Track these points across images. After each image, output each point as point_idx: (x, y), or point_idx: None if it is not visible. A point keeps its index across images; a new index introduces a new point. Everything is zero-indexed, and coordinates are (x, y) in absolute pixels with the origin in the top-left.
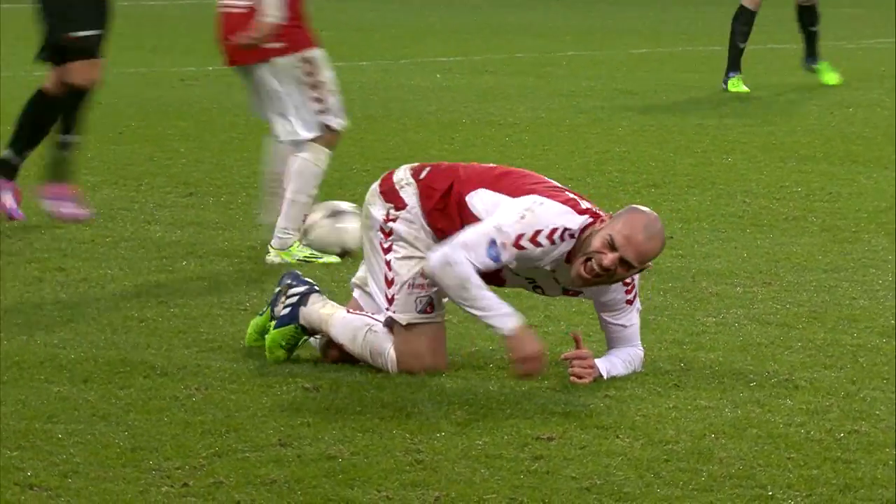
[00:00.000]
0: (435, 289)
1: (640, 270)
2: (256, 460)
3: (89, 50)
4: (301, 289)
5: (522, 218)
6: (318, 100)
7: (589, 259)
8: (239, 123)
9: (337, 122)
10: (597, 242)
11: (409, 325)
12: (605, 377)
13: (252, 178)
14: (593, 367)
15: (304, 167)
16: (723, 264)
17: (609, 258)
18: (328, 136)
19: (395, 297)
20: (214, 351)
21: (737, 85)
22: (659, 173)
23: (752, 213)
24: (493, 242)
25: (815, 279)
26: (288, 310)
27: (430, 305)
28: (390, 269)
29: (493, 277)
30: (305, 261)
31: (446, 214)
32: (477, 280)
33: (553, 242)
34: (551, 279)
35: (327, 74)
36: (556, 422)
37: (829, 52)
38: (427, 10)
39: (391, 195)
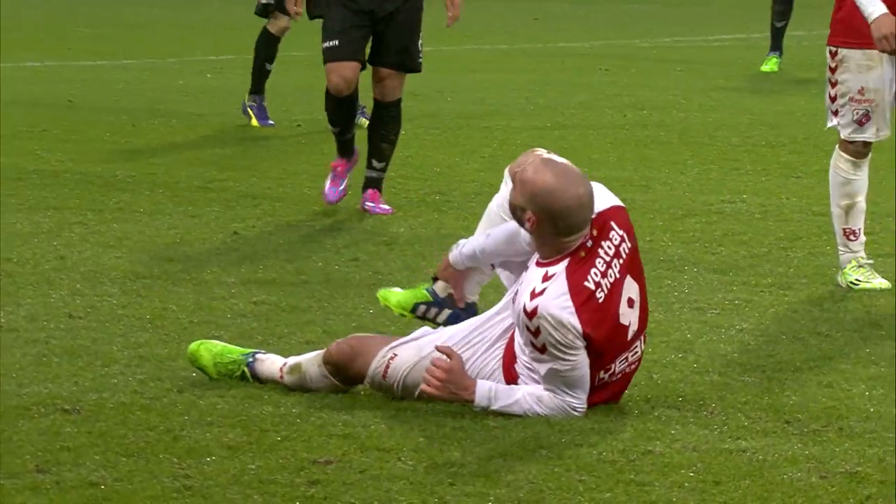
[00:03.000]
0: None
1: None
2: (12, 488)
3: None
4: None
5: None
6: None
7: None
8: None
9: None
10: None
11: None
12: (476, 405)
13: None
14: (455, 381)
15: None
16: None
17: None
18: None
19: None
20: None
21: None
22: (444, 179)
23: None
24: None
25: None
26: None
27: None
28: None
29: None
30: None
31: None
32: None
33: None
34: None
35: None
36: (334, 444)
37: (624, 52)
38: (197, 6)
39: None
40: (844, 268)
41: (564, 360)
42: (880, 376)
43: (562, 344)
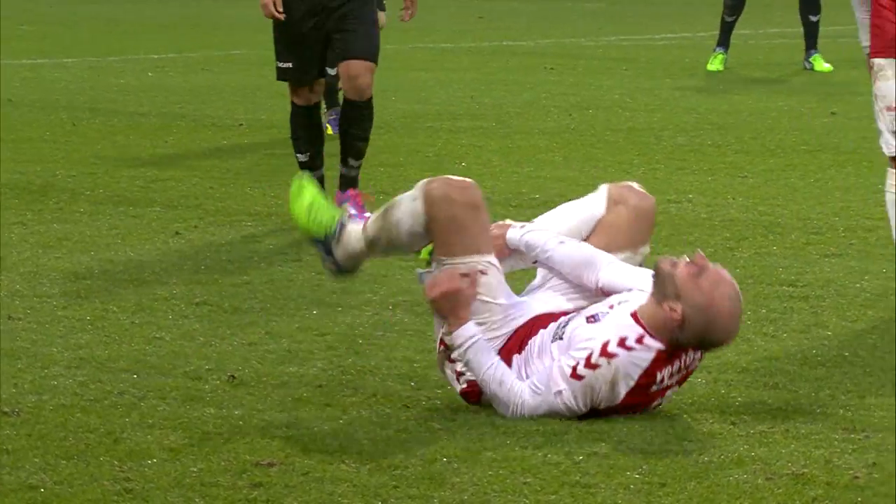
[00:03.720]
0: None
1: None
2: None
3: None
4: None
5: None
6: None
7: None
8: None
9: None
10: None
11: None
12: (453, 335)
13: None
14: (458, 303)
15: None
16: None
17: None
18: None
19: None
20: None
21: (818, 63)
22: (389, 179)
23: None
24: None
25: None
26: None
27: None
28: None
29: None
30: None
31: None
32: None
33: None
34: None
35: None
36: (277, 446)
37: (570, 50)
38: (138, 4)
39: None
40: None
41: (575, 400)
42: (826, 377)
43: (593, 392)
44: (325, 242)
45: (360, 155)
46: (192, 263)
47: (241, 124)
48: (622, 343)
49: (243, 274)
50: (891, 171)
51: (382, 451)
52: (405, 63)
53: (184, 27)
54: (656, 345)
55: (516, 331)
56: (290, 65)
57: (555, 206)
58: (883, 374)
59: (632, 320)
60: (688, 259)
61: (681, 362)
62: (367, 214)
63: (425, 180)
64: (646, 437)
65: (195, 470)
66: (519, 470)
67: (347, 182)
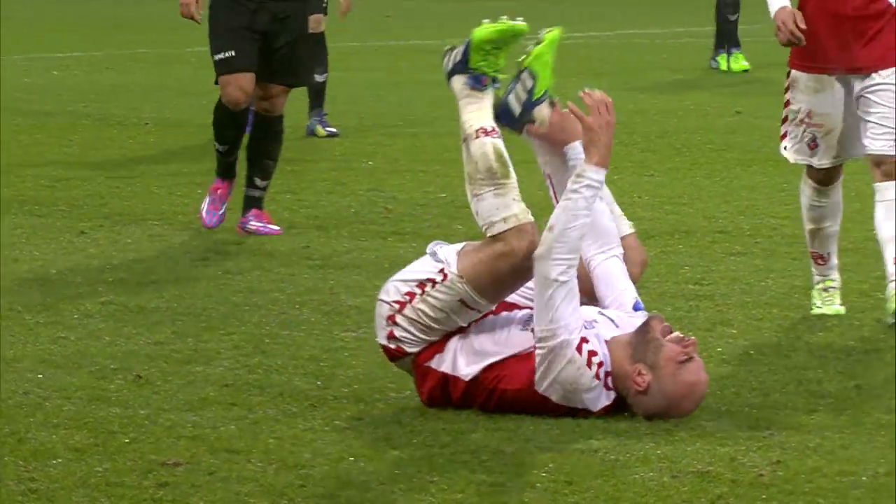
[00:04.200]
0: None
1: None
2: None
3: None
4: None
5: None
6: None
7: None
8: None
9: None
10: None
11: None
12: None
13: None
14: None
15: None
16: (363, 275)
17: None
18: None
19: None
20: None
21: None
22: (295, 178)
23: (395, 221)
24: None
25: None
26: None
27: None
28: None
29: None
30: None
31: None
32: None
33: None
34: None
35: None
36: (183, 446)
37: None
38: (40, 2)
39: None
40: (812, 289)
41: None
42: (732, 375)
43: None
44: None
45: (267, 174)
46: (97, 263)
47: (146, 123)
48: (599, 365)
49: (149, 273)
50: (805, 177)
51: (289, 451)
52: None
53: (88, 25)
54: (609, 394)
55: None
56: (231, 53)
57: (462, 206)
58: (787, 373)
59: (606, 351)
60: (680, 336)
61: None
62: (274, 227)
63: None
64: (552, 436)
65: (100, 470)
66: (425, 468)
67: (252, 202)
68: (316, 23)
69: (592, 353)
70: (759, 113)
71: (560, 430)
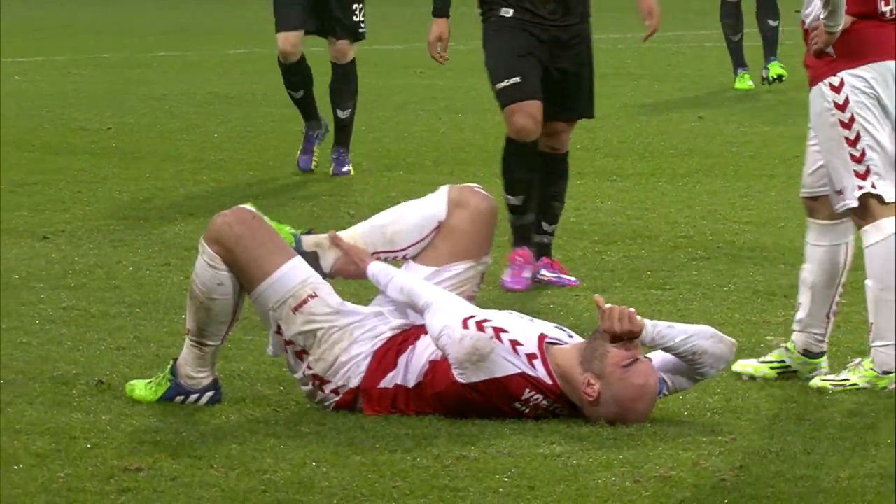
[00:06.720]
0: None
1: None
2: None
3: None
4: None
5: None
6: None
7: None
8: None
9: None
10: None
11: None
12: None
13: None
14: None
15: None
16: (327, 280)
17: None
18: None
19: None
20: None
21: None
22: (258, 184)
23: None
24: None
25: None
26: None
27: None
28: None
29: None
30: None
31: None
32: None
33: None
34: None
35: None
36: (145, 451)
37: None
38: (7, 7)
39: None
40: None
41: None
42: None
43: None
44: None
45: (555, 218)
46: (59, 268)
47: (109, 128)
48: (513, 343)
49: (111, 278)
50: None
51: (251, 456)
52: (274, 67)
53: (49, 30)
54: (524, 360)
55: (392, 338)
56: (517, 79)
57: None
58: (749, 378)
59: (536, 342)
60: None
61: (556, 404)
62: (570, 278)
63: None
64: (514, 441)
65: (62, 475)
66: (388, 474)
67: (543, 250)
68: (342, 51)
69: (501, 330)
70: (721, 118)
71: (522, 434)
